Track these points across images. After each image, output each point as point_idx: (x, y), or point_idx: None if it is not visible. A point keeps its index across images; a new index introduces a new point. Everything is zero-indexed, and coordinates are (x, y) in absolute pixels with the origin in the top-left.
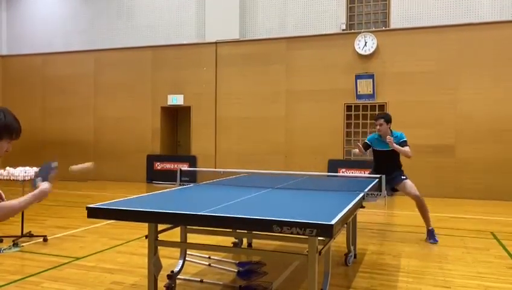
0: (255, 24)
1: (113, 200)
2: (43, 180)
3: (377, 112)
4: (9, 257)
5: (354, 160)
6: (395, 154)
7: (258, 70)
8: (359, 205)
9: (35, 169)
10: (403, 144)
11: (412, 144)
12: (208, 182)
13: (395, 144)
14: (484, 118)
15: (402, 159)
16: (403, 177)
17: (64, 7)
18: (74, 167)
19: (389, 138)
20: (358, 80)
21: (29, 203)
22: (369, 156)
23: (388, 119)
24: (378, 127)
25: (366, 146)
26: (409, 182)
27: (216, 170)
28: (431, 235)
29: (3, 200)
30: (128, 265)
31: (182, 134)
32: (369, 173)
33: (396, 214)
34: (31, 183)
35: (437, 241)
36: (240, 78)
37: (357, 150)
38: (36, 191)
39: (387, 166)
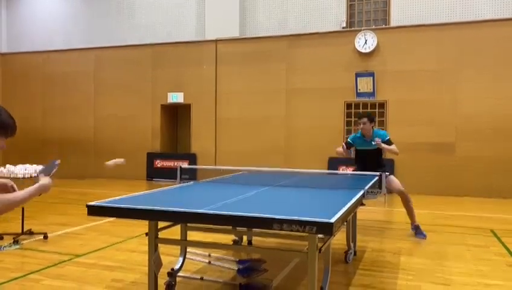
0: (255, 22)
1: (113, 198)
2: (45, 175)
3: (377, 110)
4: (9, 254)
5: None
6: (378, 153)
7: (258, 68)
8: (359, 202)
9: (36, 167)
10: (388, 142)
11: (412, 142)
12: (207, 179)
13: (382, 144)
14: (484, 116)
15: (396, 158)
16: (386, 173)
17: (64, 5)
18: (109, 163)
19: (377, 140)
20: (358, 78)
21: (28, 197)
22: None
23: (372, 119)
24: (361, 125)
25: (349, 145)
26: (393, 178)
27: (216, 167)
28: (418, 231)
29: (15, 190)
30: (128, 263)
31: (182, 132)
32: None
33: (396, 212)
34: (35, 179)
35: (425, 236)
36: (240, 76)
37: (340, 149)
38: (35, 185)
39: (370, 165)
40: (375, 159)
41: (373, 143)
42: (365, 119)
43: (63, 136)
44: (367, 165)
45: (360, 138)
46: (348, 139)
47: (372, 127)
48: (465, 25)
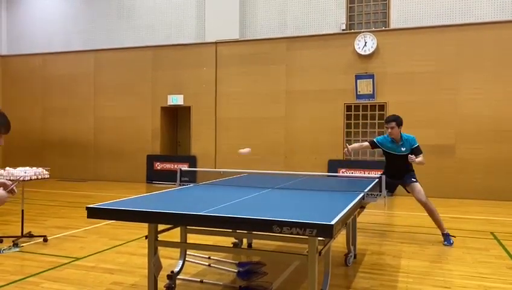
0: (255, 24)
1: (113, 201)
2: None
3: (376, 112)
4: (9, 257)
5: (354, 160)
6: (407, 157)
7: (258, 70)
8: (359, 205)
9: (35, 169)
10: (416, 150)
11: None
12: (207, 182)
13: (415, 160)
14: (484, 118)
15: None
16: (413, 179)
17: (64, 7)
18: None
19: (411, 157)
20: (358, 80)
21: None
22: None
23: (400, 122)
24: (389, 130)
25: (374, 145)
26: (417, 186)
27: (216, 170)
28: (445, 238)
29: (14, 191)
30: (128, 265)
31: (181, 134)
32: (381, 174)
33: (396, 215)
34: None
35: (452, 243)
36: (239, 78)
37: (345, 150)
38: None
39: (398, 169)
40: (404, 163)
41: (409, 159)
42: (393, 124)
43: (63, 138)
44: (395, 169)
45: (392, 141)
46: (374, 139)
47: (400, 130)
48: (464, 27)
